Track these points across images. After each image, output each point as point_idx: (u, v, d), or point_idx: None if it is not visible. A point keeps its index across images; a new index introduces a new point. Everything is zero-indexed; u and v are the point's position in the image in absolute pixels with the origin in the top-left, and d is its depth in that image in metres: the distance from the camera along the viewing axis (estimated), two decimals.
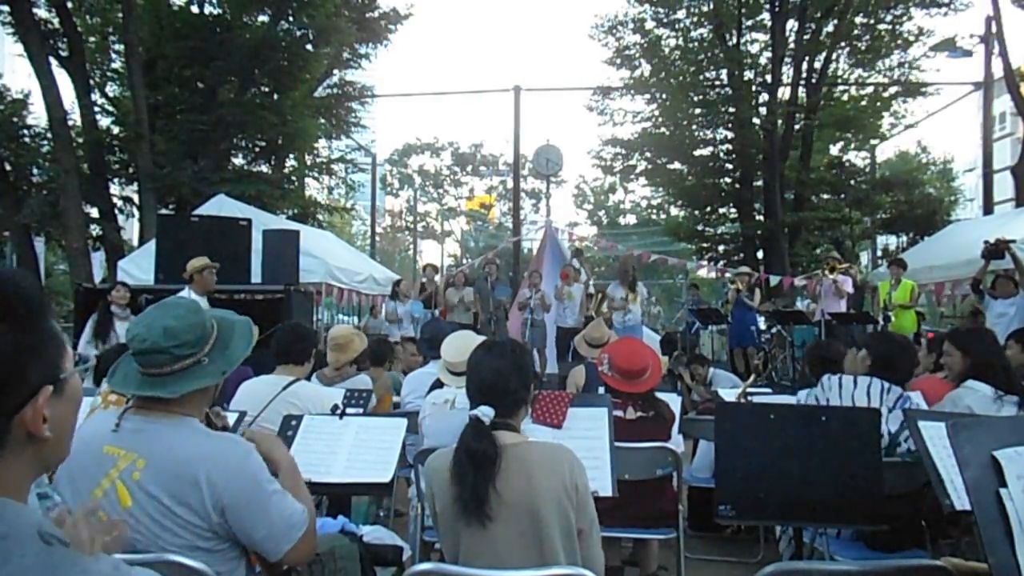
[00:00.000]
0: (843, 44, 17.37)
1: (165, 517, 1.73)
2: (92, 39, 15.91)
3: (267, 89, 16.35)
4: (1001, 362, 3.30)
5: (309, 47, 16.36)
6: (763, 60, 18.00)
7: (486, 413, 1.93)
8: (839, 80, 18.71)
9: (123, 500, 1.74)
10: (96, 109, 15.00)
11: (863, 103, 18.38)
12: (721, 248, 20.82)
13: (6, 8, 13.40)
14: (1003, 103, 24.21)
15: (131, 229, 18.53)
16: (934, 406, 3.26)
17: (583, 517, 1.93)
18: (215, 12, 16.07)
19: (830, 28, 16.77)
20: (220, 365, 1.87)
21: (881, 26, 17.12)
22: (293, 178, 18.17)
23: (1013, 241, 7.98)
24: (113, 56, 16.28)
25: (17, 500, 0.91)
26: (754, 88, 17.74)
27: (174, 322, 1.82)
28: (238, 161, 17.01)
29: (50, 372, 0.93)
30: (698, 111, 18.57)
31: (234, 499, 1.74)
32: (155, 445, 1.77)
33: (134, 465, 1.75)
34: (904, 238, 21.51)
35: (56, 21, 13.90)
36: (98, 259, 14.76)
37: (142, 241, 12.80)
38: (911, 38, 17.24)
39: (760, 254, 18.03)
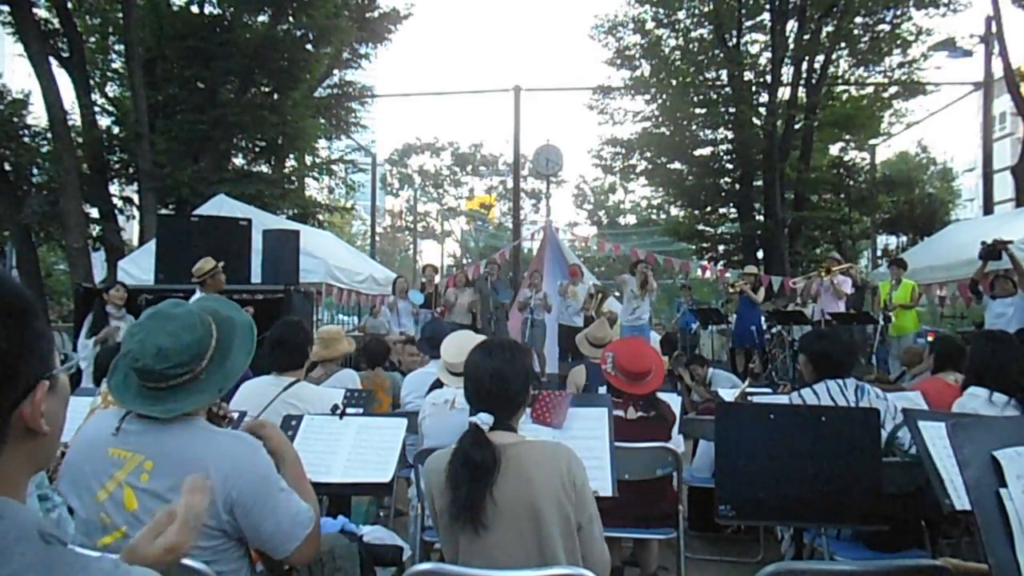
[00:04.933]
0: (843, 44, 17.36)
1: None
2: (92, 39, 15.88)
3: (267, 89, 16.34)
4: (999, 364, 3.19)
5: (309, 47, 16.35)
6: (763, 60, 18.00)
7: (485, 421, 1.91)
8: (839, 80, 18.69)
9: (128, 503, 1.72)
10: (96, 109, 14.97)
11: (863, 103, 18.38)
12: (721, 248, 20.82)
13: (6, 8, 13.38)
14: (1003, 103, 24.19)
15: (131, 229, 18.51)
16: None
17: (582, 513, 1.91)
18: (215, 12, 16.04)
19: (830, 28, 16.77)
20: (217, 381, 1.83)
21: (881, 26, 17.11)
22: (293, 178, 18.15)
23: (1011, 242, 7.97)
24: (113, 56, 16.25)
25: (16, 499, 0.91)
26: (754, 88, 17.73)
27: (168, 341, 1.76)
28: (238, 161, 17.02)
29: (43, 368, 0.94)
30: (698, 111, 18.58)
31: (243, 497, 1.74)
32: (162, 446, 1.76)
33: (141, 467, 1.74)
34: (904, 238, 21.53)
35: (56, 21, 13.88)
36: (98, 259, 14.75)
37: (142, 241, 12.79)
38: (911, 38, 17.24)
39: (760, 254, 18.02)
